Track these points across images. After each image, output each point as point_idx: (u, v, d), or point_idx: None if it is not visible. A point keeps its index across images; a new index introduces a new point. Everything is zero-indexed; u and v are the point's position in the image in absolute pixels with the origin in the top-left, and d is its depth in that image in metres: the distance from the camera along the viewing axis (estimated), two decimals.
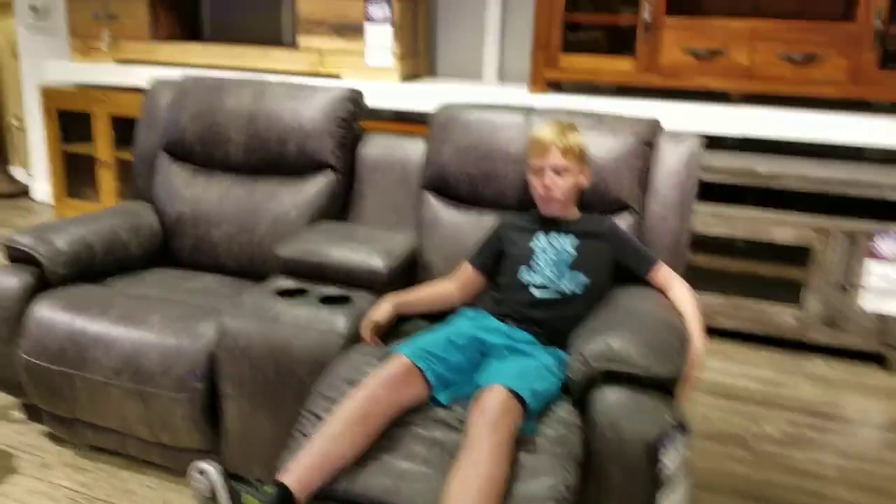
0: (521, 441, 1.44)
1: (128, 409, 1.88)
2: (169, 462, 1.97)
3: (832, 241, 2.69)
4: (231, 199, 2.31)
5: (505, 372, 1.51)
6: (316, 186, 2.26)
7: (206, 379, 1.83)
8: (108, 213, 2.35)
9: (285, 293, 1.88)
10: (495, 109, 2.14)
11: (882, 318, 2.69)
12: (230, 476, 1.39)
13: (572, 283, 1.74)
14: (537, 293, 1.74)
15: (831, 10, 2.86)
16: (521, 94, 3.04)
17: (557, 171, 1.79)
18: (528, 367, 1.56)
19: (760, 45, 2.76)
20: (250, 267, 2.26)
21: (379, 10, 3.15)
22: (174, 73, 2.63)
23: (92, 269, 2.16)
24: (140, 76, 3.55)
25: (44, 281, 2.05)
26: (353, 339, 1.75)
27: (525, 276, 1.77)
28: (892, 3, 2.61)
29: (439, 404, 1.53)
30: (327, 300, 1.84)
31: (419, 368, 1.52)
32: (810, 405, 2.52)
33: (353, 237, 2.03)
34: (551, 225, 1.84)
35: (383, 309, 1.77)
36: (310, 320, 1.76)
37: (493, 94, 3.14)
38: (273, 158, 2.30)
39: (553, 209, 1.82)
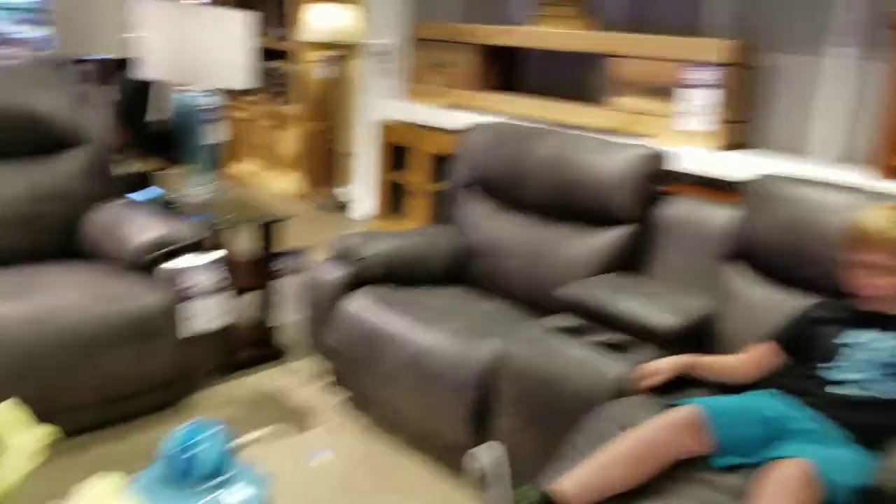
0: None
1: (411, 400, 2.14)
2: (440, 454, 2.20)
3: None
4: (524, 237, 2.51)
5: (810, 451, 1.41)
6: (609, 239, 2.35)
7: (481, 390, 2.00)
8: (418, 232, 2.71)
9: (565, 330, 1.99)
10: (829, 187, 2.00)
11: None
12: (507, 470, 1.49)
13: (886, 387, 1.53)
14: (841, 390, 1.56)
15: None
16: (854, 177, 2.78)
17: (889, 271, 1.56)
18: (838, 455, 1.44)
19: None
20: (534, 301, 2.41)
21: (702, 75, 3.15)
22: (491, 119, 2.92)
23: (399, 275, 2.48)
24: (461, 120, 3.95)
25: (360, 278, 2.40)
26: (625, 388, 1.79)
27: (829, 373, 1.59)
28: None
29: (713, 467, 1.49)
30: (604, 345, 1.91)
31: (709, 425, 1.48)
32: None
33: (640, 290, 2.08)
34: (869, 320, 1.62)
35: (672, 361, 1.76)
36: (584, 361, 1.85)
37: (820, 172, 2.92)
38: (570, 206, 2.45)
39: (875, 305, 1.62)
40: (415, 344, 2.13)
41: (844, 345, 1.60)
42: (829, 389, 1.58)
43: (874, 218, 1.59)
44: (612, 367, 1.81)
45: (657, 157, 2.37)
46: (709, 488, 1.48)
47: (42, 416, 1.93)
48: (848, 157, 3.19)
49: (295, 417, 2.42)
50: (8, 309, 1.96)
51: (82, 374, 2.05)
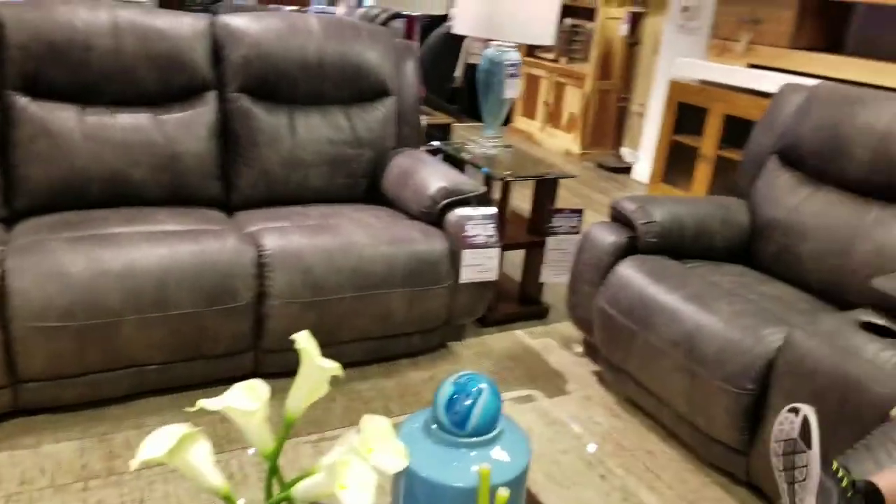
0: None
1: (674, 381, 2.01)
2: (695, 444, 2.04)
3: None
4: (832, 217, 2.19)
5: None
6: None
7: (759, 384, 1.81)
8: (704, 201, 2.49)
9: (871, 328, 1.72)
10: None
11: None
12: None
13: None
14: None
15: None
16: None
17: None
18: None
19: None
20: (834, 290, 2.12)
21: None
22: (807, 82, 2.58)
23: (678, 246, 2.33)
24: (766, 81, 3.59)
25: (634, 244, 2.30)
26: None
27: None
28: None
29: None
30: None
31: None
32: None
33: None
34: None
35: None
36: (894, 364, 1.57)
37: None
38: None
39: None
40: (688, 321, 1.99)
41: None
42: None
43: None
44: None
45: None
46: None
47: (323, 345, 2.17)
48: None
49: (549, 380, 2.42)
50: (308, 242, 2.16)
51: (367, 309, 2.23)
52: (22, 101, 2.18)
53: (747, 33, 3.79)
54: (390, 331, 2.32)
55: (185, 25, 2.39)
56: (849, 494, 1.21)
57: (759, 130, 2.57)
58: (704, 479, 2.00)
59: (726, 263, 2.36)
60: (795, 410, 1.25)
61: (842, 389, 1.62)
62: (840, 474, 1.24)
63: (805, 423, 1.22)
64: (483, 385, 1.28)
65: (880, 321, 1.75)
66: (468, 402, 1.26)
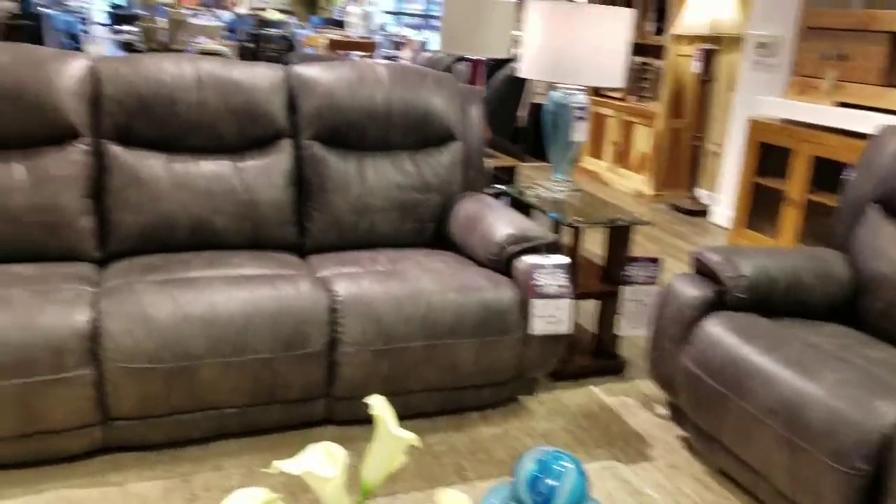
0: None
1: (773, 454, 1.82)
2: None
3: None
4: None
5: None
6: None
7: (874, 463, 1.62)
8: (795, 253, 2.31)
9: None
10: None
11: None
12: None
13: None
14: None
15: None
16: None
17: None
18: None
19: None
20: None
21: None
22: None
23: (769, 302, 2.15)
24: (858, 121, 3.38)
25: (721, 299, 2.14)
26: None
27: None
28: None
29: None
30: None
31: None
32: None
33: None
34: None
35: None
36: None
37: None
38: None
39: None
40: (788, 388, 1.80)
41: None
42: None
43: None
44: None
45: None
46: None
47: (392, 394, 2.12)
48: None
49: (629, 443, 2.26)
50: (379, 288, 2.13)
51: (436, 358, 2.15)
52: (116, 150, 2.31)
53: (833, 70, 3.59)
54: (459, 382, 2.23)
55: (262, 77, 2.45)
56: None
57: (857, 176, 2.39)
58: None
59: (824, 322, 2.17)
60: None
61: None
62: None
63: None
64: (568, 464, 1.17)
65: None
66: (553, 483, 1.15)
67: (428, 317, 2.12)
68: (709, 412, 2.02)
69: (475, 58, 3.47)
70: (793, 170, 3.69)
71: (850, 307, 2.22)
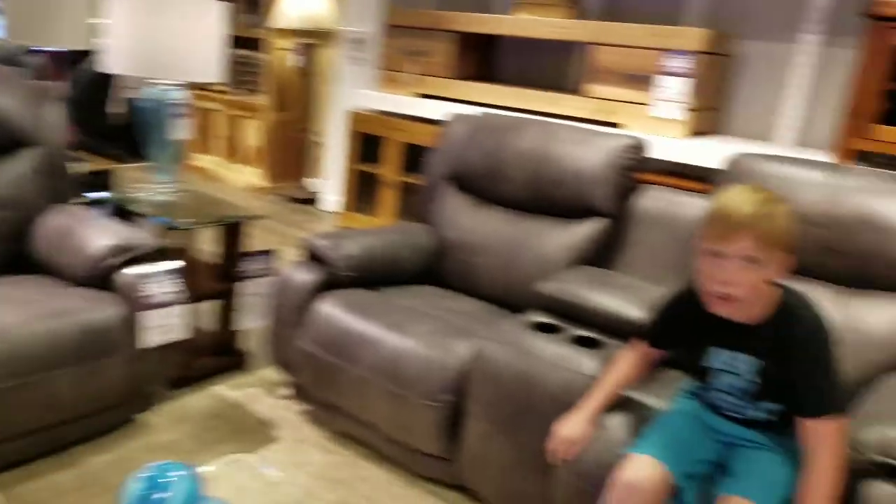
0: None
1: (381, 406, 2.06)
2: (406, 461, 2.12)
3: None
4: (500, 233, 2.43)
5: (746, 484, 1.40)
6: (585, 231, 2.29)
7: (455, 395, 1.93)
8: (392, 230, 2.62)
9: (541, 328, 1.93)
10: (801, 164, 2.01)
11: None
12: None
13: (759, 411, 1.46)
14: (728, 414, 1.51)
15: None
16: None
17: (746, 259, 1.30)
18: (774, 477, 1.42)
19: None
20: (508, 298, 2.35)
21: (677, 62, 3.13)
22: (469, 110, 2.84)
23: (372, 277, 2.39)
24: (436, 109, 3.88)
25: (331, 281, 2.31)
26: None
27: (711, 396, 1.52)
28: None
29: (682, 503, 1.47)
30: (580, 341, 1.86)
31: (667, 469, 1.45)
32: None
33: (615, 284, 2.03)
34: (735, 336, 1.42)
35: (581, 427, 1.63)
36: (562, 358, 1.78)
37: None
38: (547, 199, 2.38)
39: (724, 311, 1.37)
40: (388, 347, 2.05)
41: (710, 368, 1.49)
42: (720, 413, 1.52)
43: (742, 203, 1.31)
44: (588, 364, 1.75)
45: (636, 147, 2.31)
46: None
47: None
48: (811, 143, 3.28)
49: (258, 431, 2.32)
50: None
51: (29, 398, 1.88)
52: None
53: (413, 65, 4.06)
54: (61, 417, 1.99)
55: None
56: None
57: (434, 158, 2.76)
58: (418, 490, 2.09)
59: (417, 286, 2.48)
60: None
61: (523, 386, 1.80)
62: None
63: None
64: (177, 473, 1.17)
65: (548, 320, 1.97)
66: (163, 496, 1.13)
67: (13, 354, 1.84)
68: (327, 384, 2.18)
69: (50, 49, 3.11)
70: (387, 156, 4.10)
71: (435, 270, 2.57)
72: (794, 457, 1.44)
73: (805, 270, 1.80)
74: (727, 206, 1.31)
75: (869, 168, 1.94)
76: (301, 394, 2.39)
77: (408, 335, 2.05)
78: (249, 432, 2.30)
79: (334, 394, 2.18)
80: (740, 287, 1.31)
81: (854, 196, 1.86)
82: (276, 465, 2.14)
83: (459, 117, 2.75)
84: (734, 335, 1.42)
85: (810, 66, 3.24)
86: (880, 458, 1.34)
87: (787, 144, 3.31)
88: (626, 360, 1.67)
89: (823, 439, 1.34)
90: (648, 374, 1.71)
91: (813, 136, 3.28)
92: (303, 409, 2.43)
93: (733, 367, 1.44)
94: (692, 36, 3.11)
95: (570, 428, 1.64)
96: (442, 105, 3.86)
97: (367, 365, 2.07)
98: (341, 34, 4.83)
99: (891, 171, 1.92)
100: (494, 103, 3.72)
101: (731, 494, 1.39)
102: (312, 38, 5.14)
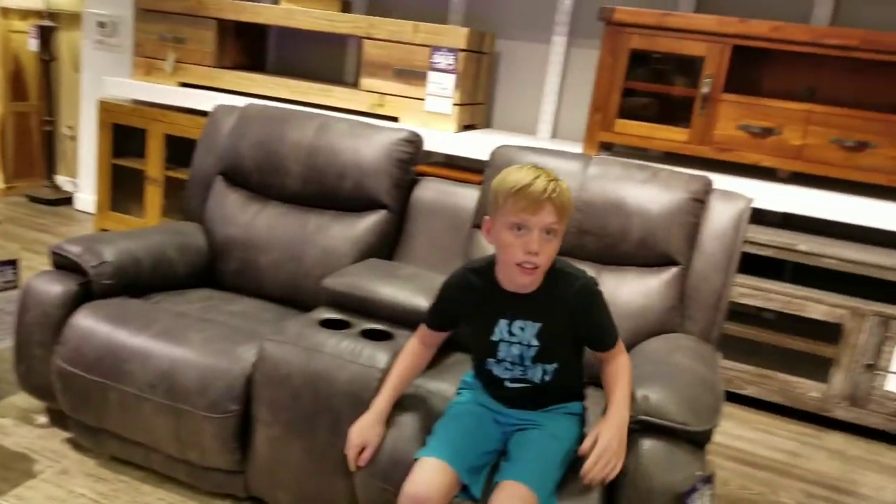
0: None
1: (158, 424, 1.89)
2: (192, 480, 1.98)
3: (864, 323, 2.70)
4: (282, 228, 2.35)
5: (520, 467, 1.48)
6: (367, 224, 2.29)
7: (241, 402, 1.84)
8: (157, 230, 2.41)
9: (328, 324, 1.90)
10: (552, 154, 2.18)
11: None
12: None
13: (539, 373, 1.57)
14: (509, 384, 1.60)
15: (887, 101, 2.91)
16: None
17: (548, 231, 1.42)
18: (545, 453, 1.51)
19: (814, 128, 2.80)
20: (294, 296, 2.28)
21: (444, 59, 3.24)
22: (237, 100, 2.71)
23: (137, 283, 2.19)
24: (201, 100, 3.65)
25: (88, 291, 2.08)
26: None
27: (493, 368, 1.60)
28: None
29: (470, 496, 1.51)
30: (369, 334, 1.86)
31: (455, 470, 1.48)
32: (827, 479, 2.52)
33: (400, 275, 2.06)
34: (515, 308, 1.53)
35: (372, 431, 1.62)
36: (351, 353, 1.77)
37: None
38: (328, 192, 2.35)
39: (528, 280, 1.47)
40: (163, 359, 1.88)
41: (497, 344, 1.56)
42: (501, 385, 1.61)
43: (536, 180, 1.42)
44: (379, 357, 1.76)
45: (412, 141, 2.35)
46: None
47: None
48: (566, 135, 3.62)
49: (11, 466, 2.04)
50: None
51: None
52: None
53: (173, 52, 3.78)
54: None
55: None
56: None
57: (201, 152, 2.59)
58: None
59: (190, 290, 2.32)
60: None
61: (314, 385, 1.76)
62: None
63: None
64: None
65: (335, 316, 1.95)
66: None
67: None
68: (92, 406, 1.96)
69: None
70: (149, 149, 3.78)
71: (211, 271, 2.42)
72: (568, 429, 1.58)
73: (566, 251, 1.97)
74: (527, 183, 1.40)
75: (613, 158, 2.16)
76: (61, 420, 2.12)
77: (183, 344, 1.90)
78: (2, 470, 2.00)
79: (102, 416, 1.97)
80: (543, 256, 1.43)
81: (602, 183, 2.07)
82: (40, 499, 1.89)
83: (224, 108, 2.61)
84: (515, 305, 1.53)
85: (560, 64, 3.55)
86: (642, 417, 1.50)
87: (546, 137, 3.59)
88: (411, 350, 1.68)
89: (620, 367, 1.55)
90: (434, 359, 1.74)
91: (567, 129, 3.59)
92: (65, 438, 2.17)
93: (516, 335, 1.54)
94: (455, 34, 3.23)
95: (362, 432, 1.62)
96: (207, 95, 3.65)
97: (137, 381, 1.89)
98: (86, 16, 4.36)
99: (633, 161, 2.16)
100: (265, 94, 3.59)
101: (508, 479, 1.46)
102: (52, 21, 4.58)
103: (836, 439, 2.81)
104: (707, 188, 2.05)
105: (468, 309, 1.60)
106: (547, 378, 1.57)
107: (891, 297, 2.74)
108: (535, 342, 1.54)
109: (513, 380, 1.59)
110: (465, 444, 1.54)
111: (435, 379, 1.78)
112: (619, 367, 1.55)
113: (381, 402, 1.65)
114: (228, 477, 1.93)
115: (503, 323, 1.54)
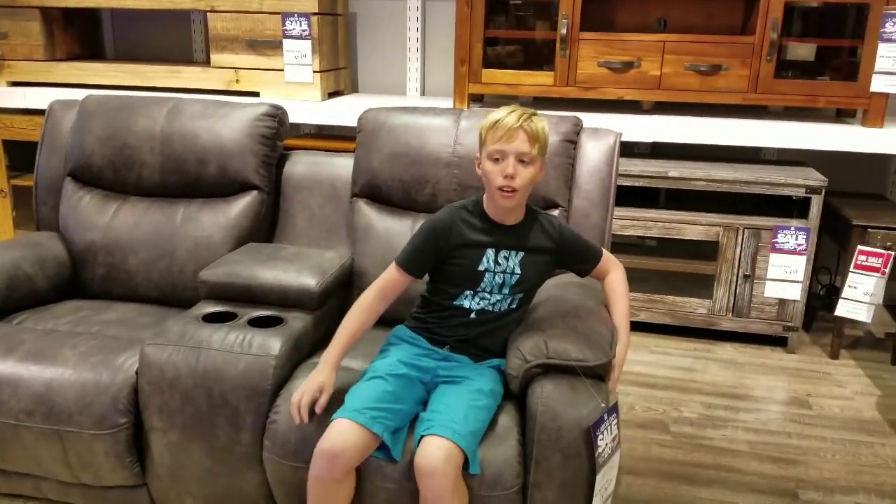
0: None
1: (43, 451, 1.75)
2: (92, 502, 1.85)
3: (738, 237, 2.86)
4: (147, 225, 2.19)
5: (443, 419, 1.48)
6: (239, 208, 2.18)
7: (131, 413, 1.72)
8: (7, 245, 2.20)
9: (212, 318, 1.80)
10: (422, 112, 2.14)
11: (782, 304, 2.90)
12: None
13: (508, 301, 1.67)
14: (476, 316, 1.66)
15: (733, 24, 3.04)
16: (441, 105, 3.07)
17: (522, 160, 1.56)
18: (468, 405, 1.53)
19: (670, 57, 2.89)
20: (172, 295, 2.15)
21: (296, 26, 3.10)
22: (76, 94, 2.49)
23: None
24: (35, 98, 3.35)
25: None
26: (288, 360, 1.71)
27: (467, 301, 1.65)
28: (784, 18, 2.79)
29: (390, 457, 1.50)
30: (258, 323, 1.78)
31: (371, 430, 1.47)
32: (722, 387, 2.68)
33: (282, 257, 1.97)
34: (501, 238, 1.64)
35: (330, 377, 1.57)
36: (241, 345, 1.68)
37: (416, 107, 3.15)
38: (191, 180, 2.21)
39: (509, 203, 1.59)
40: (36, 384, 1.72)
41: (482, 275, 1.63)
42: (465, 317, 1.66)
43: (510, 114, 1.57)
44: (271, 343, 1.68)
45: (274, 114, 2.23)
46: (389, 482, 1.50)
47: None
48: (435, 91, 3.59)
49: None
50: None
51: None
52: None
53: None
54: None
55: None
56: None
57: (43, 154, 2.37)
58: None
59: (56, 304, 2.14)
60: None
61: (206, 384, 1.66)
62: None
63: None
64: None
65: (219, 309, 1.85)
66: None
67: None
68: None
69: None
70: None
71: (76, 281, 2.24)
72: (494, 381, 1.62)
73: None
74: (502, 117, 1.57)
75: (483, 109, 2.14)
76: None
77: (56, 363, 1.75)
78: None
79: None
80: (520, 179, 1.56)
81: (430, 135, 2.07)
82: None
83: (61, 104, 2.40)
84: (500, 235, 1.65)
85: (419, 20, 3.48)
86: (543, 361, 1.52)
87: (416, 96, 3.54)
88: (365, 307, 1.65)
89: (607, 263, 1.76)
90: (390, 304, 1.67)
91: (436, 85, 3.55)
92: None
93: (501, 264, 1.64)
94: None
95: (317, 377, 1.56)
96: (41, 92, 3.36)
97: (11, 409, 1.72)
98: None
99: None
100: (108, 84, 3.33)
101: (428, 434, 1.46)
102: None
103: (725, 350, 2.99)
104: (577, 128, 2.07)
105: (457, 240, 1.64)
106: (514, 307, 1.68)
107: (758, 209, 2.92)
108: (517, 270, 1.65)
109: (481, 311, 1.65)
110: (384, 404, 1.51)
111: (353, 355, 1.73)
112: (615, 283, 1.75)
113: (333, 355, 1.60)
114: (130, 492, 1.82)
115: (490, 252, 1.64)
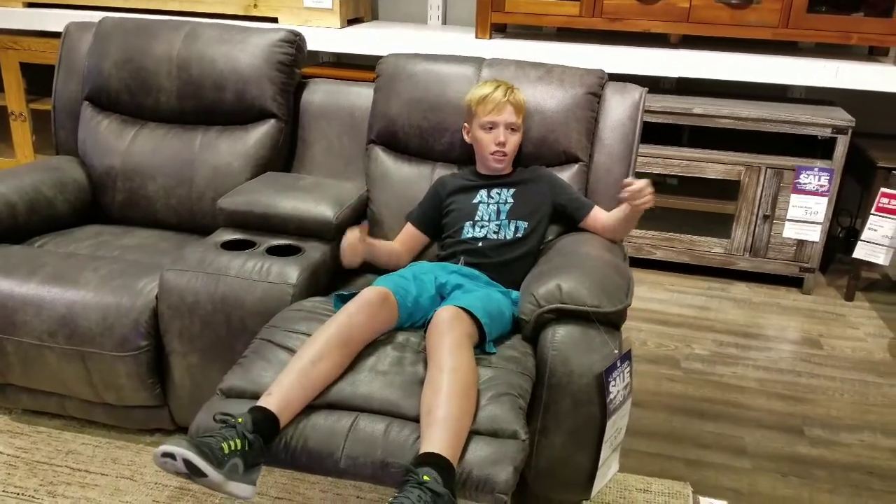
0: (480, 358, 1.48)
1: (66, 371, 1.80)
2: (115, 420, 1.92)
3: (760, 177, 2.82)
4: (165, 151, 2.19)
5: (459, 298, 1.57)
6: (257, 135, 2.17)
7: (151, 336, 1.76)
8: (28, 169, 2.21)
9: (231, 246, 1.82)
10: (444, 60, 2.08)
11: (800, 245, 2.88)
12: (197, 439, 1.24)
13: (511, 229, 1.82)
14: (481, 244, 1.81)
15: None
16: (466, 39, 2.99)
17: (510, 128, 1.86)
18: (482, 294, 1.61)
19: None
20: (191, 221, 2.17)
21: None
22: (92, 16, 2.46)
23: (15, 229, 2.04)
24: (52, 19, 3.31)
25: None
26: (306, 289, 1.73)
27: (469, 231, 1.83)
28: None
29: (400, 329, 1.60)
30: (276, 251, 1.80)
31: (394, 299, 1.54)
32: (735, 326, 2.70)
33: (300, 187, 1.97)
34: (492, 181, 1.90)
35: (353, 244, 1.70)
36: (259, 272, 1.71)
37: (438, 38, 3.07)
38: (209, 107, 2.19)
39: (501, 165, 1.88)
40: (59, 305, 1.76)
41: (476, 207, 1.85)
42: (472, 245, 1.81)
43: (496, 89, 1.86)
44: (289, 272, 1.70)
45: (292, 40, 2.19)
46: (396, 349, 1.52)
47: None
48: (457, 21, 3.47)
49: None
50: None
51: None
52: None
53: None
54: None
55: None
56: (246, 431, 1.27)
57: (61, 77, 2.36)
58: (140, 445, 1.92)
59: (76, 228, 2.17)
60: (168, 454, 1.19)
61: (225, 310, 1.70)
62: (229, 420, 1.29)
63: (189, 464, 1.19)
64: None
65: (237, 236, 1.86)
66: None
67: None
68: None
69: None
70: (5, 81, 3.43)
71: (96, 206, 2.26)
72: (510, 304, 1.66)
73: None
74: (490, 92, 1.85)
75: (506, 59, 2.07)
76: None
77: (78, 285, 1.78)
78: None
79: (4, 371, 1.86)
80: (510, 145, 1.86)
81: (451, 82, 2.02)
82: None
83: (77, 26, 2.36)
84: (492, 181, 1.90)
85: None
86: (557, 305, 1.51)
87: (437, 25, 3.44)
88: (399, 239, 1.93)
89: (600, 213, 1.88)
90: (413, 259, 1.90)
91: (458, 14, 3.44)
92: None
93: (493, 197, 1.86)
94: None
95: (349, 243, 1.69)
96: (58, 13, 3.30)
97: (34, 330, 1.77)
98: None
99: (525, 61, 2.04)
100: (122, 6, 3.27)
101: (446, 305, 1.51)
102: None
103: (740, 289, 2.99)
104: (602, 81, 2.01)
105: (453, 187, 1.90)
106: (519, 235, 1.81)
107: (782, 149, 2.86)
108: (510, 200, 1.85)
109: (485, 239, 1.81)
110: (404, 287, 1.60)
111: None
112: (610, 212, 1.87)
113: (372, 240, 1.80)
114: (152, 412, 1.88)
115: (483, 191, 1.88)
